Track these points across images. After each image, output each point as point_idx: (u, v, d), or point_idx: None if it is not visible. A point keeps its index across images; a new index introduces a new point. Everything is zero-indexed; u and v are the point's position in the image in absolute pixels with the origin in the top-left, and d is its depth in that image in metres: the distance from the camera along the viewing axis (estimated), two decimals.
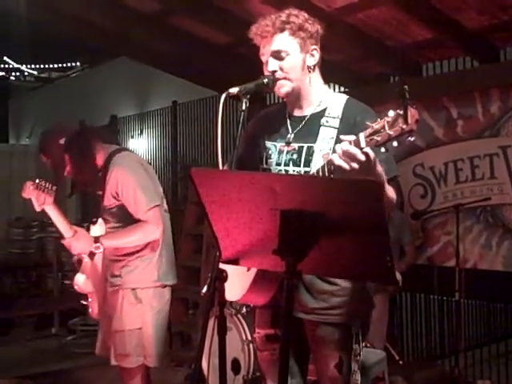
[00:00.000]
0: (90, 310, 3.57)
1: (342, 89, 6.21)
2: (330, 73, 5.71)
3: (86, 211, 10.96)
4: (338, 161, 1.93)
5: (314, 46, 2.42)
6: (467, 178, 5.16)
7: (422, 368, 5.38)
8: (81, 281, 3.46)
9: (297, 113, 2.47)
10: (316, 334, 2.40)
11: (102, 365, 5.41)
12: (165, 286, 3.39)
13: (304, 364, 2.54)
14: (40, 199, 3.35)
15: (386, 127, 1.86)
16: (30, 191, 3.37)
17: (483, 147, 5.04)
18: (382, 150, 1.90)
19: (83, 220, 9.03)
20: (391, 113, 1.86)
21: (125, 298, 3.30)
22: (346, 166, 1.92)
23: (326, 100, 2.44)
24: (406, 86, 1.81)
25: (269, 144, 2.49)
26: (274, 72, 2.33)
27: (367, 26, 5.02)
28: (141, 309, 3.29)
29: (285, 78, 2.35)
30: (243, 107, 2.20)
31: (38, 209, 3.39)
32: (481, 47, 5.01)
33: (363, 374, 2.47)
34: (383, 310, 5.13)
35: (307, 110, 2.44)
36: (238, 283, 2.29)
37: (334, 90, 6.30)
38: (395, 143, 1.88)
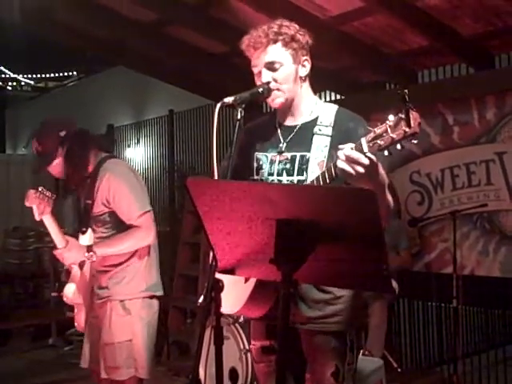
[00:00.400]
0: (75, 322, 3.51)
1: (338, 96, 6.23)
2: (326, 80, 5.81)
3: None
4: (342, 164, 1.95)
5: (306, 57, 2.43)
6: (464, 185, 5.17)
7: (420, 375, 5.38)
8: (70, 292, 3.41)
9: (288, 122, 2.47)
10: (312, 343, 2.39)
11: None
12: (153, 297, 3.34)
13: (300, 376, 2.53)
14: (40, 208, 3.31)
15: (389, 131, 1.89)
16: (32, 199, 3.31)
17: (479, 153, 5.05)
18: (386, 153, 1.92)
19: (80, 229, 9.02)
20: (392, 117, 1.89)
21: (113, 310, 3.25)
22: (350, 170, 1.94)
23: (317, 109, 2.45)
24: (406, 91, 1.84)
25: (259, 155, 2.49)
26: (267, 83, 2.34)
27: (362, 34, 5.04)
28: (130, 320, 3.24)
29: (278, 89, 2.36)
30: (238, 116, 2.21)
31: (37, 218, 3.34)
32: (476, 54, 5.03)
33: (360, 382, 2.47)
34: (382, 317, 5.12)
35: (298, 120, 2.45)
36: (234, 296, 2.29)
37: (330, 97, 6.33)
38: (398, 146, 1.90)
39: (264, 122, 2.57)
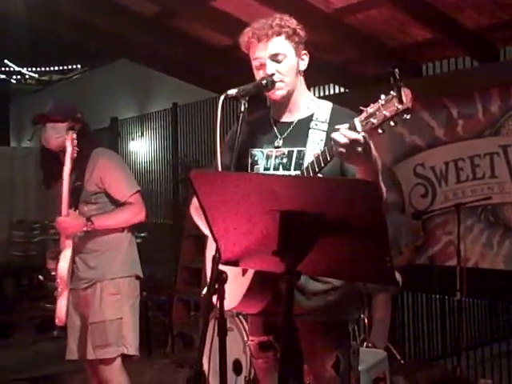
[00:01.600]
0: (57, 315, 3.36)
1: (342, 89, 6.22)
2: (330, 74, 5.80)
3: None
4: (338, 136, 1.96)
5: (304, 51, 2.45)
6: (468, 178, 5.16)
7: (423, 368, 5.38)
8: (65, 268, 3.36)
9: (284, 118, 2.49)
10: (312, 334, 2.39)
11: None
12: (138, 278, 3.50)
13: (298, 369, 2.52)
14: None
15: (381, 109, 1.91)
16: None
17: (484, 146, 5.04)
18: (379, 131, 1.94)
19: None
20: (383, 96, 1.92)
21: (104, 289, 3.36)
22: (344, 140, 1.95)
23: (313, 106, 2.47)
24: (396, 69, 1.86)
25: (254, 151, 2.50)
26: (272, 75, 2.35)
27: (366, 27, 5.03)
28: (120, 299, 3.38)
29: (282, 81, 2.37)
30: (242, 108, 2.21)
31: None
32: (480, 47, 5.01)
33: (364, 374, 2.48)
34: (386, 310, 5.13)
35: (295, 116, 2.47)
36: (231, 292, 2.29)
37: (334, 90, 6.31)
38: (392, 123, 1.92)
39: (258, 119, 2.58)
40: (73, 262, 3.39)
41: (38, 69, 14.43)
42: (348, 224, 1.74)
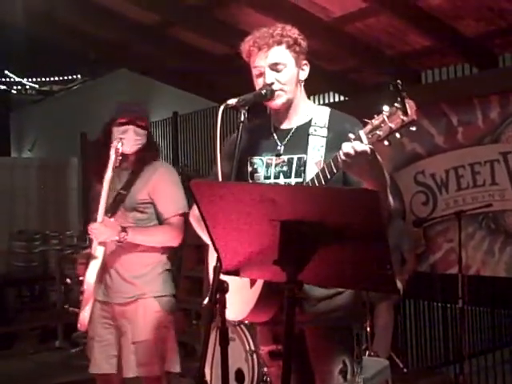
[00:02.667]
0: (80, 320, 3.30)
1: (342, 98, 6.23)
2: (329, 82, 5.82)
3: (88, 223, 10.97)
4: (346, 148, 1.97)
5: (305, 61, 2.45)
6: (468, 185, 5.16)
7: (426, 376, 5.37)
8: (93, 277, 3.24)
9: (283, 125, 2.48)
10: (318, 339, 2.39)
11: None
12: (173, 296, 3.44)
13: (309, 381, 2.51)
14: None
15: (386, 121, 1.91)
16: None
17: (484, 154, 5.05)
18: (386, 143, 1.94)
19: (85, 232, 9.03)
20: (387, 107, 1.91)
21: (148, 307, 3.28)
22: (350, 151, 1.96)
23: (311, 112, 2.47)
24: (399, 81, 1.87)
25: (254, 159, 2.50)
26: (271, 84, 2.35)
27: (366, 35, 5.05)
28: (164, 318, 3.32)
29: (281, 90, 2.37)
30: (242, 118, 2.21)
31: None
32: (479, 54, 5.02)
33: (366, 382, 2.46)
34: (388, 318, 5.13)
35: (293, 123, 2.47)
36: (240, 302, 2.29)
37: (334, 99, 6.33)
38: (398, 135, 1.92)
39: (256, 127, 2.57)
40: (104, 272, 3.30)
41: (39, 79, 14.47)
42: (348, 233, 1.74)
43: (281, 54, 2.36)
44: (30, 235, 9.42)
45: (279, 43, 2.35)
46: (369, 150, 1.95)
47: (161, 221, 3.35)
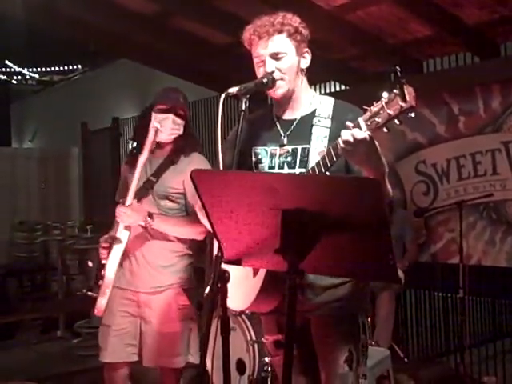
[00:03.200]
0: (97, 305, 3.20)
1: (343, 87, 6.21)
2: (331, 71, 5.79)
3: (89, 213, 10.98)
4: (345, 135, 1.98)
5: (306, 49, 2.45)
6: (469, 175, 5.16)
7: (427, 365, 5.38)
8: (116, 262, 3.18)
9: (286, 116, 2.48)
10: (324, 328, 2.39)
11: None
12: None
13: (314, 370, 2.49)
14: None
15: (385, 107, 1.91)
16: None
17: (485, 143, 5.04)
18: (385, 130, 1.95)
19: (87, 222, 9.05)
20: (386, 94, 1.92)
21: (176, 298, 3.26)
22: (349, 138, 1.97)
23: (315, 102, 2.47)
24: (398, 67, 1.87)
25: (258, 149, 2.49)
26: (272, 73, 2.34)
27: (367, 24, 5.02)
28: (190, 309, 3.31)
29: (282, 79, 2.36)
30: (243, 107, 2.20)
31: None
32: (481, 43, 5.00)
33: (368, 372, 2.46)
34: (390, 308, 5.13)
35: (297, 113, 2.46)
36: (242, 292, 2.29)
37: (335, 87, 6.31)
38: (397, 121, 1.92)
39: (260, 117, 2.57)
40: (127, 258, 3.25)
41: (39, 69, 14.41)
42: (350, 222, 1.74)
43: (281, 42, 2.35)
44: (31, 226, 9.45)
45: (280, 32, 2.34)
46: (368, 138, 1.96)
47: (188, 212, 3.28)
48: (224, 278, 2.01)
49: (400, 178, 5.58)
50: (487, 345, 5.33)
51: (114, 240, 3.20)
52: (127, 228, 3.18)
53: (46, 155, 11.18)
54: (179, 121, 3.27)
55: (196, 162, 3.27)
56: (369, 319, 4.65)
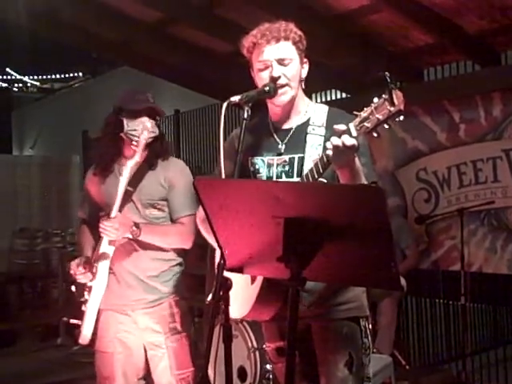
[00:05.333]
0: (83, 335, 2.97)
1: (344, 95, 6.22)
2: (331, 79, 5.80)
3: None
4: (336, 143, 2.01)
5: (306, 59, 2.47)
6: (470, 182, 5.16)
7: (428, 373, 5.37)
8: (103, 283, 2.96)
9: (283, 125, 2.48)
10: (324, 332, 2.39)
11: None
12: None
13: (314, 378, 2.50)
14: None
15: (374, 112, 1.95)
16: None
17: (486, 151, 5.04)
18: (374, 134, 1.98)
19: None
20: (376, 99, 1.96)
21: (177, 308, 3.09)
22: (338, 143, 2.00)
23: (310, 111, 2.48)
24: (387, 73, 1.91)
25: (255, 159, 2.49)
26: (277, 78, 2.34)
27: (368, 32, 5.04)
28: (189, 319, 3.19)
29: (288, 85, 2.37)
30: (245, 115, 2.21)
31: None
32: (482, 51, 5.01)
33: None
34: (392, 315, 5.13)
35: (293, 122, 2.47)
36: (241, 300, 2.29)
37: (336, 96, 6.32)
38: (386, 126, 1.96)
39: (255, 126, 2.53)
40: (115, 276, 3.03)
41: (40, 77, 14.46)
42: (353, 229, 1.74)
43: (288, 48, 2.37)
44: (31, 233, 9.43)
45: (286, 38, 2.36)
46: (357, 144, 1.99)
47: (172, 220, 3.10)
48: (226, 285, 2.01)
49: (401, 185, 5.58)
50: (489, 352, 5.32)
51: (101, 257, 2.96)
52: (112, 243, 2.95)
53: (47, 163, 11.19)
54: (153, 122, 3.05)
55: (179, 166, 3.13)
56: (370, 326, 4.68)
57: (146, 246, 3.03)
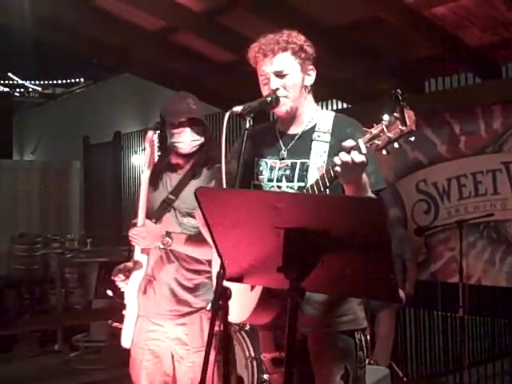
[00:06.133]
0: (123, 338, 3.02)
1: (345, 105, 6.24)
2: (333, 89, 5.82)
3: (89, 227, 10.98)
4: (345, 160, 1.99)
5: (311, 67, 2.46)
6: (470, 194, 5.17)
7: None
8: (135, 290, 2.99)
9: (289, 131, 2.50)
10: (320, 344, 2.39)
11: (104, 381, 5.43)
12: None
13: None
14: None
15: (385, 130, 1.93)
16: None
17: (486, 163, 5.06)
18: (384, 152, 1.96)
19: (87, 236, 9.06)
20: (386, 117, 1.93)
21: (205, 321, 2.93)
22: (348, 159, 1.98)
23: (316, 118, 2.48)
24: (398, 90, 1.88)
25: (260, 161, 2.52)
26: (276, 90, 2.36)
27: (369, 43, 5.06)
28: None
29: (286, 97, 2.38)
30: (247, 125, 2.22)
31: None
32: (483, 64, 5.03)
33: None
34: (390, 326, 5.13)
35: (299, 128, 2.48)
36: (241, 305, 2.29)
37: (337, 106, 6.33)
38: (396, 145, 1.94)
39: (264, 130, 2.59)
40: (150, 284, 3.00)
41: (42, 82, 14.47)
42: (352, 241, 1.74)
43: (286, 60, 2.37)
44: (31, 238, 9.43)
45: (284, 50, 2.36)
46: (366, 161, 1.98)
47: None
48: (226, 295, 2.01)
49: (401, 196, 5.59)
50: (486, 365, 5.31)
51: (135, 265, 2.99)
52: (144, 251, 2.98)
53: (48, 168, 11.20)
54: (197, 129, 3.00)
55: (219, 175, 2.99)
56: (368, 337, 4.68)
57: (182, 257, 2.98)
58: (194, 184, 2.98)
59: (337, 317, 2.38)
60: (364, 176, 2.14)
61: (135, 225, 2.95)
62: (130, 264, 3.05)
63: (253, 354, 4.17)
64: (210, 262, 2.97)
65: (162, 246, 2.94)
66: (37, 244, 9.30)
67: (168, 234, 2.92)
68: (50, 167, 11.31)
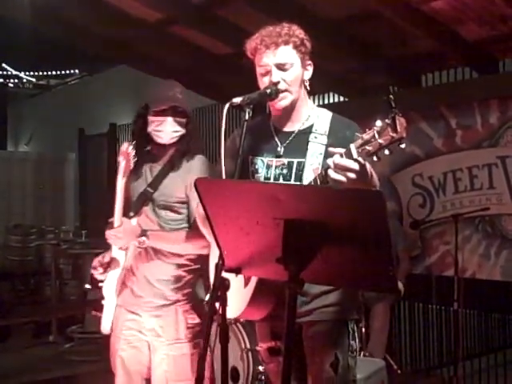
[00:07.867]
0: (103, 324, 3.03)
1: (342, 99, 6.24)
2: (330, 83, 5.82)
3: (84, 218, 10.97)
4: (334, 175, 2.01)
5: (309, 62, 2.47)
6: (466, 188, 5.18)
7: (420, 378, 5.39)
8: (114, 282, 2.99)
9: (285, 127, 2.49)
10: (312, 332, 2.42)
11: (99, 372, 5.44)
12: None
13: (303, 377, 2.51)
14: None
15: (376, 136, 1.93)
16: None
17: (482, 157, 5.07)
18: (374, 158, 1.97)
19: (81, 227, 9.05)
20: (379, 122, 1.93)
21: (185, 315, 2.96)
22: (342, 178, 2.00)
23: (313, 116, 2.48)
24: (391, 96, 1.89)
25: (255, 159, 2.51)
26: (277, 83, 2.35)
27: (367, 37, 5.06)
28: (201, 327, 2.98)
29: (286, 90, 2.38)
30: (246, 117, 2.22)
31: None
32: (480, 58, 5.04)
33: (362, 383, 2.48)
34: (385, 319, 5.14)
35: (296, 125, 2.48)
36: (235, 301, 2.30)
37: (333, 99, 6.34)
38: (387, 151, 1.95)
39: (258, 126, 2.54)
40: (130, 276, 2.99)
41: (36, 73, 14.40)
42: (352, 233, 1.75)
43: (288, 53, 2.37)
44: (25, 229, 9.43)
45: (286, 43, 2.36)
46: (357, 167, 1.98)
47: (190, 222, 2.95)
48: (225, 285, 2.02)
49: (396, 190, 5.60)
50: (481, 358, 5.34)
51: (112, 262, 2.98)
52: (122, 247, 2.95)
53: (42, 159, 11.19)
54: (180, 120, 2.94)
55: (199, 167, 2.96)
56: (363, 329, 4.69)
57: (160, 251, 2.96)
58: (172, 176, 2.96)
59: (330, 305, 2.41)
60: (376, 181, 2.16)
61: (112, 224, 2.92)
62: (109, 255, 3.02)
63: (248, 346, 4.18)
64: (195, 257, 2.97)
65: (137, 245, 2.91)
66: (31, 235, 9.30)
67: (144, 232, 2.88)
68: (44, 158, 11.29)
